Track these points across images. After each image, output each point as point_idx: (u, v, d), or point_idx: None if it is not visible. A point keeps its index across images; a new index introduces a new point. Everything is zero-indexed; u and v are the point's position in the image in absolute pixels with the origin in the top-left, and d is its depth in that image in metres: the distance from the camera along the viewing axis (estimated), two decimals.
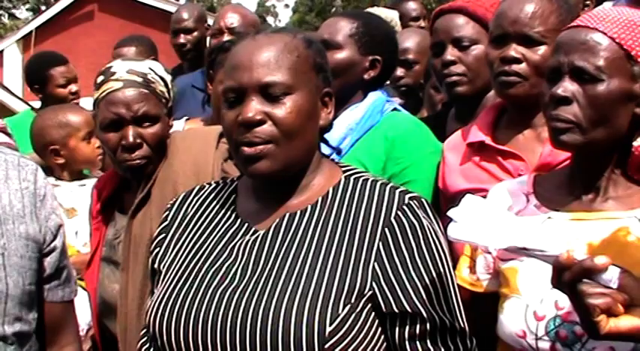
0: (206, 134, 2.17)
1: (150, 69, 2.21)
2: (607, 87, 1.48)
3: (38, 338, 1.70)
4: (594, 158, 1.55)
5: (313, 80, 1.55)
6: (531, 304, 1.51)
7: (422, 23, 4.43)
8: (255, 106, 1.49)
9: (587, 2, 2.85)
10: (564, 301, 1.46)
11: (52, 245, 1.71)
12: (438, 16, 2.39)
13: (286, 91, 1.50)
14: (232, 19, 3.79)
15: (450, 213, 1.37)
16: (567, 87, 1.50)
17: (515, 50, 1.98)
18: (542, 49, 1.96)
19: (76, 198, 3.10)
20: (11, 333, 1.59)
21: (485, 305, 1.63)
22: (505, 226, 1.33)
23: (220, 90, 1.59)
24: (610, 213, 1.53)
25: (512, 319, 1.53)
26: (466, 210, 1.37)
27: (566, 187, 1.58)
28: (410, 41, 3.32)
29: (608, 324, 1.21)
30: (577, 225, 1.54)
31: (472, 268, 1.70)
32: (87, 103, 4.87)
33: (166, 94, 2.23)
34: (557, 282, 1.26)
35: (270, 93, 1.50)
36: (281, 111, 1.50)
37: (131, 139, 2.13)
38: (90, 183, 3.20)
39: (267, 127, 1.49)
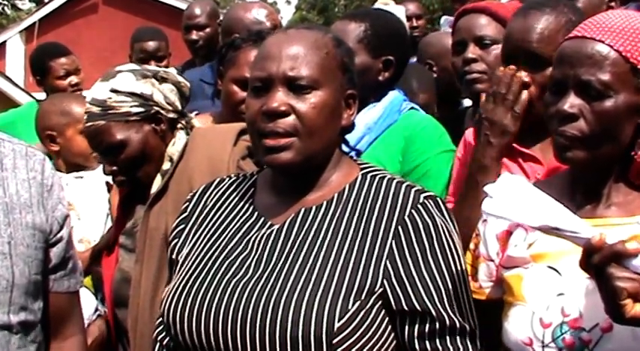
0: (226, 132, 2.18)
1: (112, 91, 2.20)
2: (614, 103, 1.47)
3: (43, 328, 1.70)
4: (597, 168, 1.55)
5: (339, 79, 1.57)
6: (537, 312, 1.51)
7: (421, 22, 4.85)
8: (280, 97, 1.52)
9: (612, 4, 2.84)
10: (570, 308, 1.47)
11: (59, 235, 1.72)
12: (461, 15, 2.41)
13: (312, 86, 1.53)
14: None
15: (487, 189, 1.40)
16: (573, 102, 1.49)
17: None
18: None
19: (72, 191, 2.97)
20: (16, 322, 1.59)
21: (488, 313, 1.62)
22: (539, 206, 1.37)
23: (249, 77, 1.61)
24: (613, 219, 1.53)
25: (517, 327, 1.53)
26: (502, 187, 1.39)
27: (568, 194, 1.58)
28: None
29: (634, 308, 1.24)
30: None
31: (474, 276, 1.70)
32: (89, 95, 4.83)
33: (136, 109, 2.20)
34: (586, 264, 1.29)
35: (296, 86, 1.52)
36: (305, 105, 1.52)
37: (106, 170, 2.26)
38: (88, 175, 3.11)
39: (290, 120, 1.52)
